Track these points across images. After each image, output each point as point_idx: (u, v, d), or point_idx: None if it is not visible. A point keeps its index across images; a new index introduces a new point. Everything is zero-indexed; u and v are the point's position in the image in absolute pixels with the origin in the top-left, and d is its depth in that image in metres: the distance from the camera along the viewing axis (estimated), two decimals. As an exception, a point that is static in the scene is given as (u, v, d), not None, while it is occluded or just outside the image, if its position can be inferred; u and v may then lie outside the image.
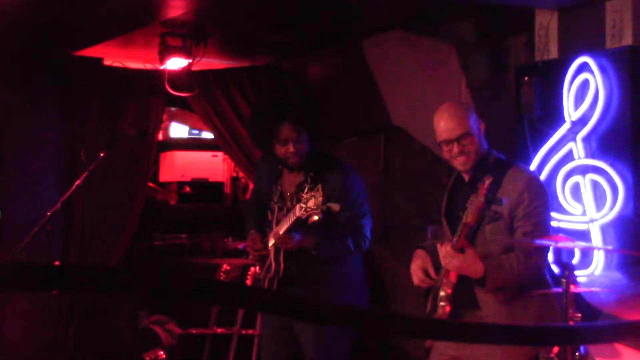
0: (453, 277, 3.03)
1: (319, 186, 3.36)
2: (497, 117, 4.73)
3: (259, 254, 3.80)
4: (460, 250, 2.95)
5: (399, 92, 5.47)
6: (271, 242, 3.73)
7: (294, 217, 3.45)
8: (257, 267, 3.89)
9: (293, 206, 3.68)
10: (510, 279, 2.97)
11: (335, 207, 3.38)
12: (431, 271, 3.20)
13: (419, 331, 1.31)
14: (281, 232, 3.59)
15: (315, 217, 3.41)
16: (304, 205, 3.36)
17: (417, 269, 3.23)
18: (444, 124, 3.10)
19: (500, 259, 2.98)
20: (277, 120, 3.64)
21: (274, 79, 6.47)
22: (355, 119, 6.18)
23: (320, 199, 3.32)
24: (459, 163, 3.11)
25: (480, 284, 2.98)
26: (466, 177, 3.19)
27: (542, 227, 3.04)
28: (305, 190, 3.67)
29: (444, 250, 2.97)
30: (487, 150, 3.16)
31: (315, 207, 3.33)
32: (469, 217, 2.93)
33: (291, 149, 3.63)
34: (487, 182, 2.91)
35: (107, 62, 5.97)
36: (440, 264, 3.15)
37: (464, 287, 3.03)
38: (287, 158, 3.68)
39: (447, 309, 3.03)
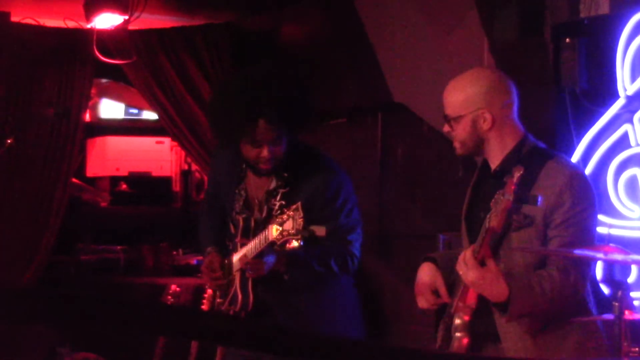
0: (472, 301, 3.03)
1: (299, 204, 3.35)
2: (529, 91, 4.72)
3: (218, 283, 3.80)
4: (481, 262, 2.95)
5: (402, 60, 5.47)
6: (237, 266, 3.72)
7: (267, 241, 3.45)
8: (218, 294, 3.89)
9: (262, 216, 3.66)
10: (541, 306, 2.98)
11: (321, 231, 3.39)
12: (442, 291, 3.19)
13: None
14: (250, 255, 3.58)
15: (295, 243, 3.42)
16: (279, 228, 3.35)
17: (424, 288, 3.23)
18: (444, 95, 3.20)
19: (530, 278, 2.98)
20: (250, 118, 3.56)
21: (237, 41, 6.45)
22: (345, 95, 6.17)
23: (300, 221, 3.32)
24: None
25: (501, 309, 2.99)
26: (492, 166, 3.20)
27: (586, 238, 3.05)
28: (279, 196, 3.66)
29: (462, 256, 2.97)
30: (521, 136, 3.17)
31: (294, 231, 3.33)
32: (493, 220, 2.94)
33: (265, 153, 3.59)
34: (517, 175, 2.91)
35: (15, 19, 5.92)
36: (454, 282, 3.16)
37: (481, 312, 3.04)
38: (257, 163, 3.66)
39: (465, 341, 3.03)
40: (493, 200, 2.96)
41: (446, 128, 3.19)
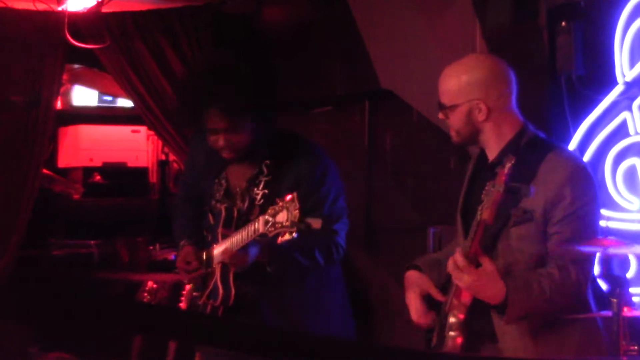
0: (467, 298, 3.01)
1: (295, 195, 3.31)
2: (523, 78, 4.72)
3: (194, 276, 3.78)
4: (474, 259, 2.94)
5: (391, 45, 5.46)
6: (218, 258, 3.70)
7: (256, 234, 3.42)
8: (194, 288, 3.87)
9: (244, 206, 3.65)
10: (540, 306, 2.97)
11: (317, 223, 3.32)
12: (433, 291, 3.19)
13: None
14: (235, 248, 3.55)
15: (287, 237, 3.38)
16: (271, 219, 3.32)
17: (416, 297, 3.22)
18: (439, 82, 3.20)
19: (528, 277, 2.96)
20: (202, 105, 3.60)
21: (217, 24, 6.42)
22: (330, 82, 6.16)
23: (295, 212, 3.27)
24: None
25: (498, 311, 2.98)
26: (490, 157, 3.19)
27: (586, 234, 3.03)
28: (261, 185, 3.64)
29: (453, 260, 2.96)
30: (520, 126, 3.15)
31: (288, 223, 3.29)
32: (484, 212, 2.92)
33: (220, 142, 3.62)
34: (508, 165, 2.90)
35: (-18, 1, 5.89)
36: (448, 280, 3.14)
37: (477, 310, 3.03)
38: (219, 150, 3.67)
39: (459, 340, 3.01)
40: (484, 192, 2.95)
41: (441, 116, 3.19)
